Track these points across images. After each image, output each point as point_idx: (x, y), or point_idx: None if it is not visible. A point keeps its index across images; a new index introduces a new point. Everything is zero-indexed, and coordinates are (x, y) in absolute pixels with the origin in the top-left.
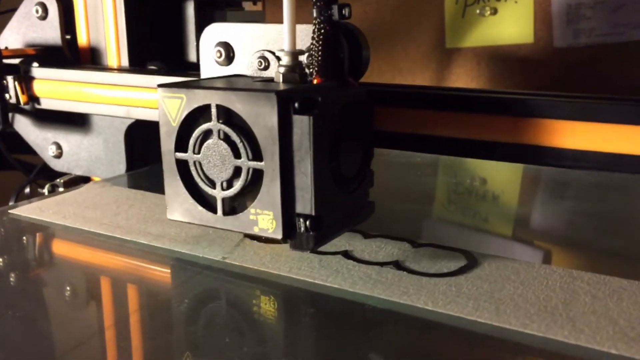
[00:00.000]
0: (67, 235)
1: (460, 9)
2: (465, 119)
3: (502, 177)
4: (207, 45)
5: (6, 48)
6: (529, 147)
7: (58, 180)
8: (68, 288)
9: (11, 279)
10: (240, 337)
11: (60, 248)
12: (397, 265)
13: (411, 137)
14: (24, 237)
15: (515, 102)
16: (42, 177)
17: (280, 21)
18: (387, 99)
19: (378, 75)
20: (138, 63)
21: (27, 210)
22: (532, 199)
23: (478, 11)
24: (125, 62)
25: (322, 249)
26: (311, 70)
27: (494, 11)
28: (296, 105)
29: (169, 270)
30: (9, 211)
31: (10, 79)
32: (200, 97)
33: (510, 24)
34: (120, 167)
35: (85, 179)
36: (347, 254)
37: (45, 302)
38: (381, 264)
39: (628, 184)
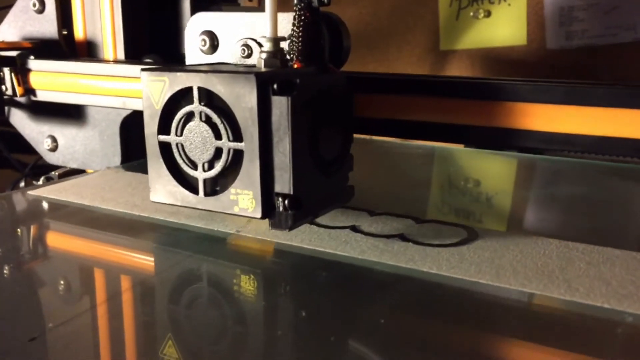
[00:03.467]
0: (87, 213)
1: (454, 11)
2: (446, 105)
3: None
4: (192, 35)
5: (2, 42)
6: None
7: (53, 172)
8: (97, 259)
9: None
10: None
11: (83, 224)
12: (403, 237)
13: (392, 123)
14: (47, 214)
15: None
16: (35, 172)
17: None
18: (366, 86)
19: None
20: (134, 57)
21: (45, 192)
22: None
23: (472, 14)
24: (121, 56)
25: (331, 224)
26: (292, 55)
27: (488, 14)
28: (275, 86)
29: (187, 243)
30: (28, 192)
31: (6, 71)
32: (182, 80)
33: (504, 27)
34: (116, 160)
35: (80, 172)
36: (354, 228)
37: (77, 274)
38: (387, 236)
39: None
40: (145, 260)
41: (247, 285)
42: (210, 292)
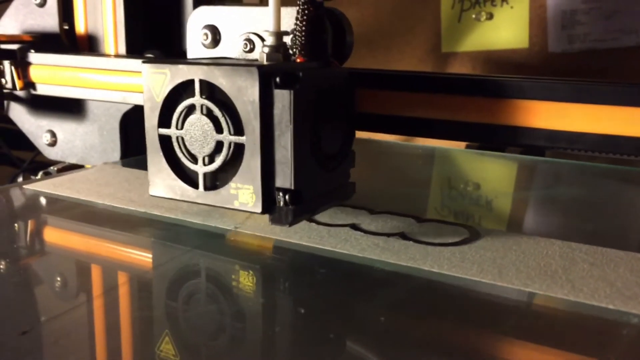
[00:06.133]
0: (83, 208)
1: (456, 13)
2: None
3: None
4: (194, 28)
5: (3, 35)
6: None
7: (51, 167)
8: (88, 254)
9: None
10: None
11: (78, 218)
12: (404, 236)
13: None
14: (43, 209)
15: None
16: (34, 167)
17: None
18: (370, 82)
19: None
20: (135, 51)
21: (41, 186)
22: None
23: (474, 16)
24: (122, 51)
25: (330, 221)
26: (294, 50)
27: (490, 16)
28: (277, 79)
29: (182, 238)
30: (24, 186)
31: (7, 64)
32: (183, 73)
33: (506, 29)
34: (115, 155)
35: (79, 168)
36: (354, 226)
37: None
38: (388, 235)
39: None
40: (140, 256)
41: (245, 281)
42: (206, 288)
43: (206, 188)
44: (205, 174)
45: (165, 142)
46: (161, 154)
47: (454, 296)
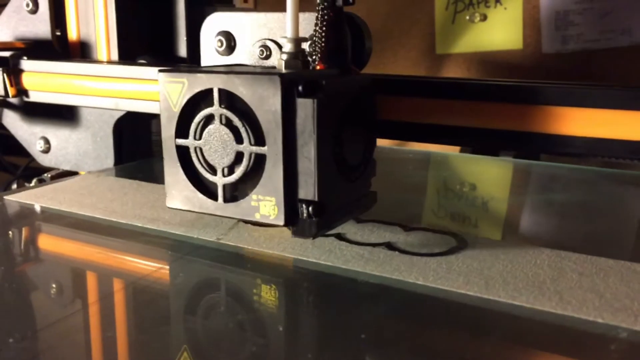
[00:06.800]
0: (62, 219)
1: (450, 15)
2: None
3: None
4: (208, 35)
5: None
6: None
7: (45, 174)
8: (65, 269)
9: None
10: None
11: (56, 232)
12: (389, 246)
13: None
14: (20, 221)
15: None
16: (28, 174)
17: None
18: (392, 88)
19: None
20: (128, 58)
21: (22, 197)
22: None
23: (468, 17)
24: (115, 57)
25: None
26: (314, 57)
27: (484, 17)
28: (300, 88)
29: (164, 251)
30: (5, 197)
31: None
32: (202, 82)
33: (500, 30)
34: (108, 162)
35: (72, 174)
36: (340, 236)
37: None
38: (373, 245)
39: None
40: (121, 268)
41: (225, 293)
42: (189, 301)
43: (226, 200)
44: (224, 186)
45: (183, 153)
46: (179, 164)
47: (439, 309)
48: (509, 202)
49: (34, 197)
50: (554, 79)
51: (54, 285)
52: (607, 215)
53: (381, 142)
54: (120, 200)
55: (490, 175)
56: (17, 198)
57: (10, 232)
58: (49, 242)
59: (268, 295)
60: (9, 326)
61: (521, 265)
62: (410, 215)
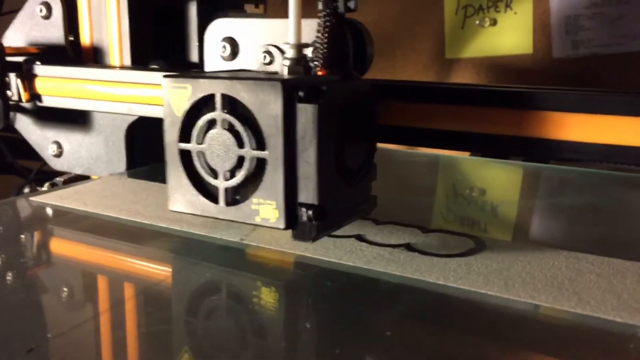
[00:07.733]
0: (90, 220)
1: (460, 19)
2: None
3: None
4: (212, 41)
5: (9, 47)
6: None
7: (57, 178)
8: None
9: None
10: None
11: (85, 232)
12: (409, 247)
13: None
14: (49, 221)
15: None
16: (40, 178)
17: None
18: (392, 93)
19: None
20: (140, 63)
21: (47, 198)
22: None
23: (477, 22)
24: (127, 62)
25: (335, 233)
26: (316, 62)
27: (494, 22)
28: (301, 93)
29: (189, 250)
30: (30, 198)
31: (12, 76)
32: (205, 87)
33: (510, 35)
34: (121, 166)
35: (85, 179)
36: (360, 237)
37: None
38: (393, 246)
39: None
40: (148, 268)
41: (251, 292)
42: (216, 300)
43: (227, 203)
44: (226, 189)
45: (186, 157)
46: (181, 168)
47: (460, 309)
48: (522, 205)
49: (59, 199)
50: (564, 84)
51: (90, 282)
52: (620, 217)
53: (392, 146)
54: (143, 202)
55: (502, 179)
56: (43, 199)
57: (41, 233)
58: (78, 242)
59: (293, 294)
60: (46, 323)
61: (539, 266)
62: (427, 217)
